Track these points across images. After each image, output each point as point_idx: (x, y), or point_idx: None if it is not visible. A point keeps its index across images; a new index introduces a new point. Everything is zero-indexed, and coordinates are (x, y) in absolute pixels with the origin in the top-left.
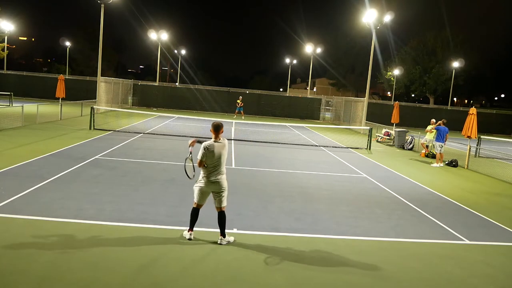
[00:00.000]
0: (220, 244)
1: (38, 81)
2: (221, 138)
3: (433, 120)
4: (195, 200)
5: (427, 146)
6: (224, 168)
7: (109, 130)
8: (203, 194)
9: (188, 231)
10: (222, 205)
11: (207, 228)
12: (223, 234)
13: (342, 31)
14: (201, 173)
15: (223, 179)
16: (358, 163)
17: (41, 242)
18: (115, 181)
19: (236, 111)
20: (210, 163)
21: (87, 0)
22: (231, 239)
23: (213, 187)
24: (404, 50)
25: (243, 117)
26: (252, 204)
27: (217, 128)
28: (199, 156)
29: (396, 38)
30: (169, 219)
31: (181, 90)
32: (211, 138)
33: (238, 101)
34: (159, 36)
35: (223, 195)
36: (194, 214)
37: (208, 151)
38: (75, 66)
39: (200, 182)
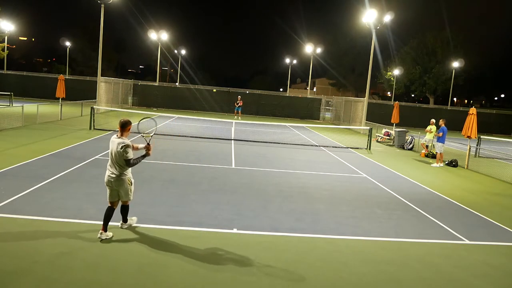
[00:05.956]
0: (121, 228)
1: (38, 81)
2: (123, 137)
3: (433, 120)
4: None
5: (427, 146)
6: (116, 166)
7: (109, 130)
8: (107, 189)
9: (100, 230)
10: (123, 199)
11: (208, 228)
12: (124, 220)
13: (342, 31)
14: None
15: (117, 177)
16: (358, 163)
17: (41, 242)
18: None
19: (235, 110)
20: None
21: (87, 0)
22: (133, 220)
23: (108, 183)
24: (404, 50)
25: (239, 117)
26: (252, 204)
27: (122, 126)
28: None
29: (396, 38)
30: (169, 219)
31: (181, 90)
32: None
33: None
34: (159, 36)
35: (120, 192)
36: (107, 213)
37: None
38: (75, 66)
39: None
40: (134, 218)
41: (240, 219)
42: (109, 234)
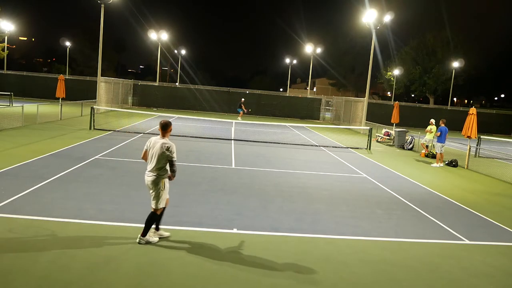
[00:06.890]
0: (139, 243)
1: (38, 81)
2: (165, 138)
3: (432, 120)
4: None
5: (427, 146)
6: (155, 167)
7: (109, 130)
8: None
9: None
10: (152, 205)
11: (208, 228)
12: (144, 233)
13: (342, 31)
14: None
15: (153, 177)
16: (358, 163)
17: (41, 242)
18: (115, 181)
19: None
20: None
21: (87, 0)
22: (154, 239)
23: (148, 186)
24: (404, 50)
25: (240, 117)
26: (252, 204)
27: (163, 127)
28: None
29: (396, 38)
30: (170, 219)
31: (181, 90)
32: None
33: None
34: (159, 36)
35: (152, 194)
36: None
37: (148, 145)
38: (75, 66)
39: None
40: (156, 239)
41: (240, 219)
42: (165, 233)
